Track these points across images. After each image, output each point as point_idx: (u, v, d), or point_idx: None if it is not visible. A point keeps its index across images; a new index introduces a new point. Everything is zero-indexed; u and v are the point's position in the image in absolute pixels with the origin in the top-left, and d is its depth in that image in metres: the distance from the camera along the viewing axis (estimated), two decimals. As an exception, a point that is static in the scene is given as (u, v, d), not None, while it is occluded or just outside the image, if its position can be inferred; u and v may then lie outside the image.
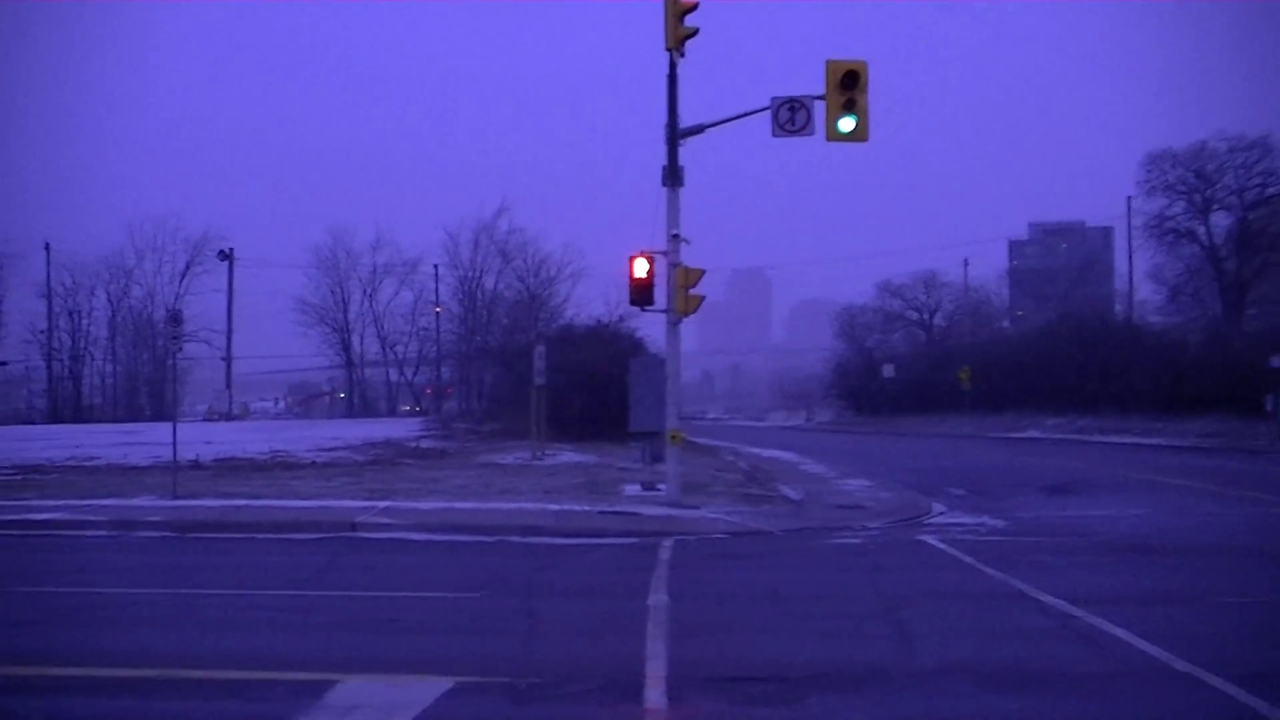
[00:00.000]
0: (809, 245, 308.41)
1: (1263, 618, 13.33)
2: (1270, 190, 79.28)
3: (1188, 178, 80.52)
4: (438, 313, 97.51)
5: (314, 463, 36.17)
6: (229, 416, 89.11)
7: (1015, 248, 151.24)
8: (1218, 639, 12.08)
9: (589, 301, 76.83)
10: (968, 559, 17.94)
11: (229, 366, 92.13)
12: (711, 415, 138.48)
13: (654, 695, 9.93)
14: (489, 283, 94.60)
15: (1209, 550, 19.31)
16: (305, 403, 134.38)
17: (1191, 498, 28.94)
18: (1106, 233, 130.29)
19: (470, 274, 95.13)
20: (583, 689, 10.23)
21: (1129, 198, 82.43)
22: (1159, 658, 11.06)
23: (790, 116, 23.82)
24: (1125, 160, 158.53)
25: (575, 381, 44.16)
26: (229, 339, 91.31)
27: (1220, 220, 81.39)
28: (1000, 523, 23.37)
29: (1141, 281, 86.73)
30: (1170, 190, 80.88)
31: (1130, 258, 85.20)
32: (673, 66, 24.63)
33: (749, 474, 35.28)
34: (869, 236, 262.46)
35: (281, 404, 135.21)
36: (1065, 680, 10.39)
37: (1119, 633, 12.13)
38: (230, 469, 33.88)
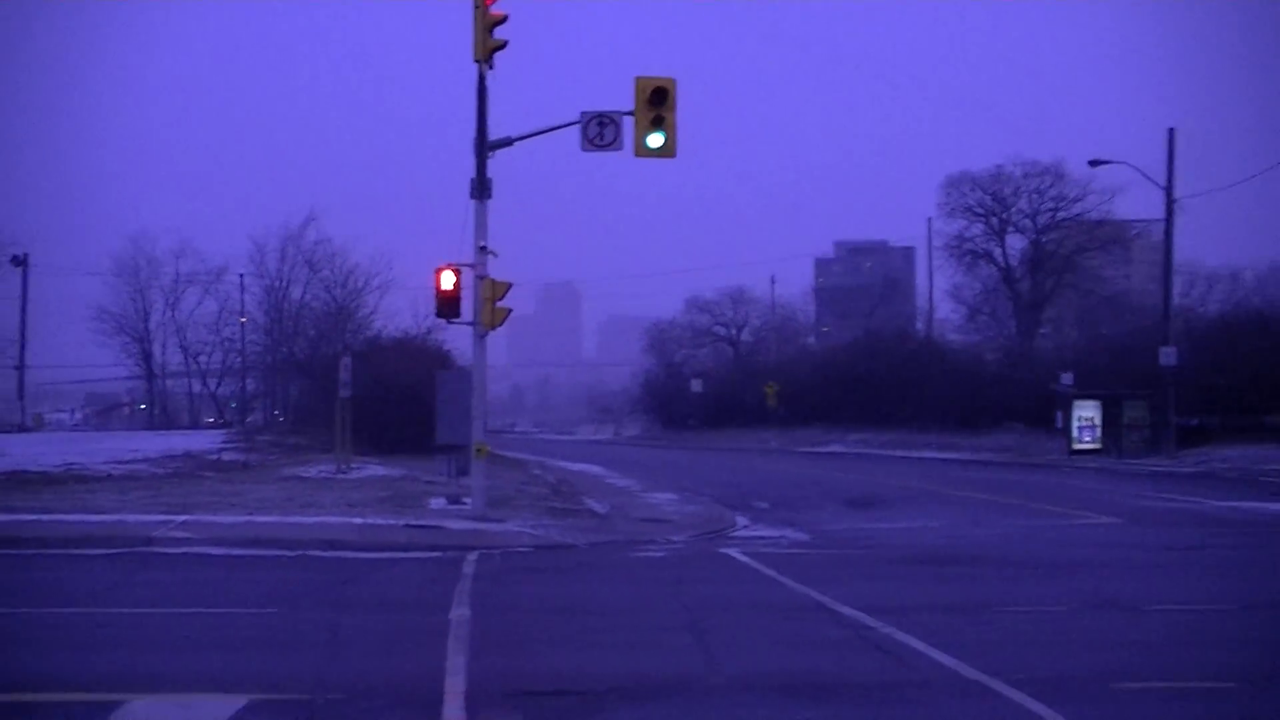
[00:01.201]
0: (619, 260, 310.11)
1: (1049, 627, 13.73)
2: (1061, 214, 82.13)
3: (985, 201, 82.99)
4: (243, 323, 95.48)
5: (110, 475, 35.01)
6: (21, 428, 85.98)
7: (821, 266, 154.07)
8: (1007, 647, 12.42)
9: (397, 313, 75.84)
10: (769, 571, 18.17)
11: (21, 376, 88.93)
12: (520, 429, 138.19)
13: (453, 710, 9.83)
14: (296, 293, 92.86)
15: (1001, 561, 19.87)
16: (103, 414, 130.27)
17: (986, 511, 29.78)
18: (909, 252, 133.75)
19: (277, 284, 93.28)
20: (381, 704, 10.08)
21: (929, 219, 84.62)
22: (951, 666, 11.32)
23: (600, 131, 23.92)
24: (928, 182, 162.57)
25: (382, 394, 43.63)
26: (21, 347, 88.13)
27: (1015, 242, 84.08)
28: (802, 536, 23.74)
29: (941, 300, 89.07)
30: (969, 212, 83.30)
31: (931, 277, 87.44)
32: (482, 79, 24.52)
33: (555, 487, 35.26)
34: (679, 252, 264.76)
35: (79, 415, 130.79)
36: (861, 689, 10.57)
37: (913, 642, 12.39)
38: (19, 483, 32.58)
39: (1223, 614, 14.66)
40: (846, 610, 14.39)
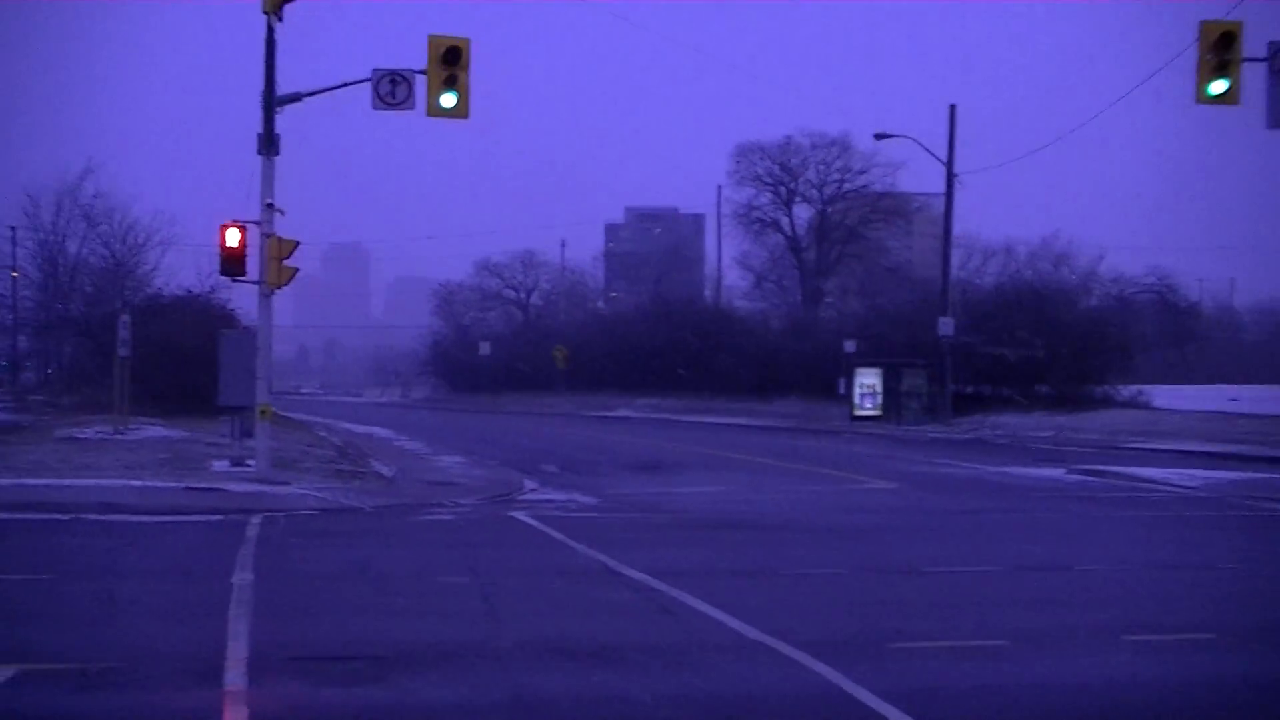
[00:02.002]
0: (409, 221, 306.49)
1: (832, 589, 14.06)
2: (847, 186, 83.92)
3: (774, 170, 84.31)
4: (14, 277, 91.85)
5: None
6: None
7: (611, 231, 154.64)
8: (789, 609, 12.66)
9: (180, 271, 73.65)
10: (558, 535, 18.21)
11: None
12: (306, 390, 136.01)
13: (234, 677, 9.63)
14: (72, 248, 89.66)
15: (785, 525, 20.26)
16: None
17: (772, 476, 30.34)
18: (698, 220, 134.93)
19: (52, 238, 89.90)
20: (160, 672, 9.82)
21: (719, 187, 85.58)
22: (736, 628, 11.50)
23: (391, 90, 23.57)
24: (719, 151, 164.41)
25: (163, 353, 42.40)
26: None
27: (802, 212, 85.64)
28: (591, 500, 23.85)
29: (730, 268, 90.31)
30: (758, 181, 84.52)
31: (720, 245, 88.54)
32: (270, 30, 23.93)
33: (342, 450, 34.79)
34: (470, 215, 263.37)
35: None
36: (649, 652, 10.65)
37: (700, 605, 12.55)
38: None
39: (995, 575, 15.18)
40: (634, 574, 14.50)
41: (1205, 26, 24.69)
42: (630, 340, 78.60)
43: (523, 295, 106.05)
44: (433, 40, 23.36)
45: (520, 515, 20.91)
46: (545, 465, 32.02)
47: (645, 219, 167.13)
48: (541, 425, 57.63)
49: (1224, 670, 10.30)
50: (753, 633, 11.25)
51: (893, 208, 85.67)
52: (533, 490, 25.52)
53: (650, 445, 41.89)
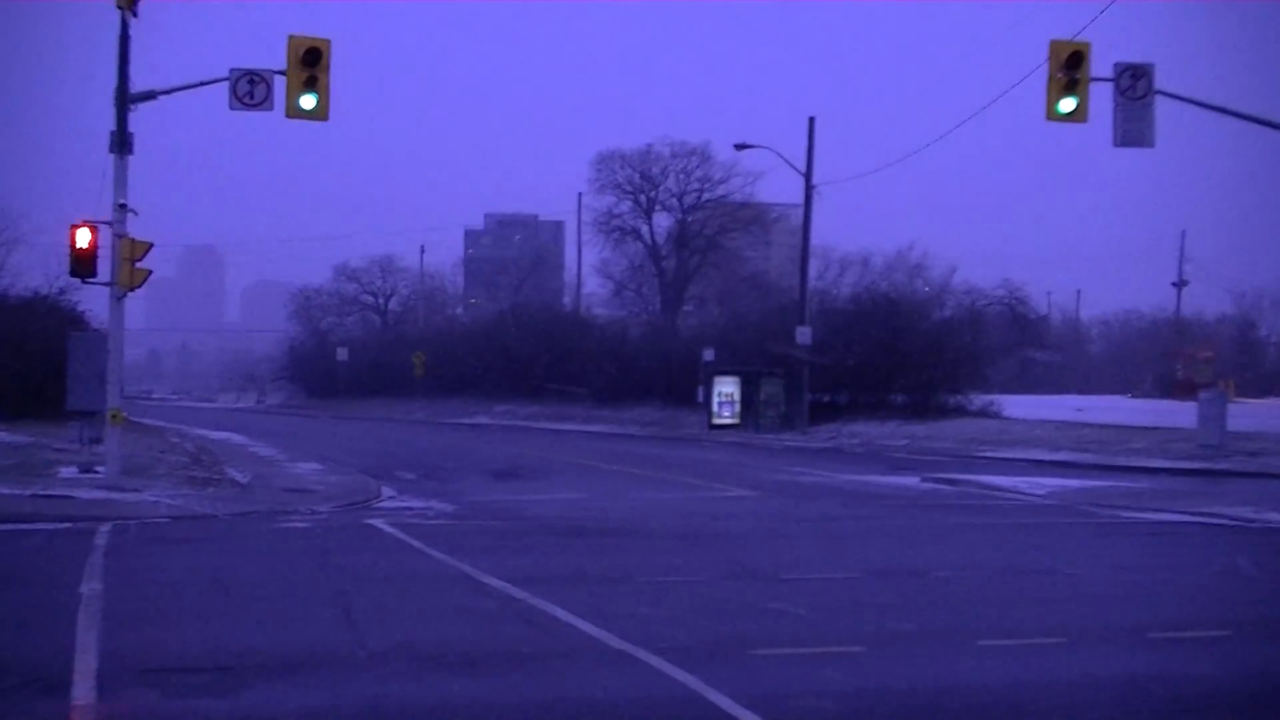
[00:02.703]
0: (266, 224, 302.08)
1: (692, 596, 14.11)
2: (707, 195, 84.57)
3: (634, 178, 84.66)
4: None
5: None
6: None
7: (471, 237, 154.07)
8: (650, 617, 12.68)
9: (27, 271, 71.77)
10: (416, 543, 18.06)
11: None
12: (158, 395, 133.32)
13: (83, 689, 9.39)
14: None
15: (644, 532, 20.31)
16: None
17: (631, 483, 30.40)
18: (558, 226, 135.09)
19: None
20: (3, 686, 9.53)
21: (580, 194, 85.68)
22: (596, 635, 11.49)
23: (250, 90, 23.22)
24: (580, 158, 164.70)
25: (8, 356, 41.35)
26: None
27: (662, 221, 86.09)
28: (449, 507, 23.70)
29: (590, 275, 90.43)
30: (619, 189, 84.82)
31: (580, 252, 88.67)
32: (124, 26, 23.44)
33: (195, 456, 34.13)
34: (329, 218, 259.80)
35: None
36: (509, 660, 10.61)
37: (558, 612, 12.53)
38: None
39: (852, 581, 15.36)
40: (493, 581, 14.43)
41: (1055, 46, 25.33)
42: (489, 347, 78.32)
43: (381, 301, 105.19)
44: (292, 41, 23.08)
45: (378, 523, 20.69)
46: (403, 472, 31.75)
47: (505, 225, 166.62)
48: (399, 432, 57.15)
49: (1072, 671, 10.53)
50: (614, 640, 11.26)
51: (752, 217, 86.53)
52: (390, 497, 25.28)
53: (509, 452, 41.77)
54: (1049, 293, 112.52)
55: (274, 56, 23.34)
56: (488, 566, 15.42)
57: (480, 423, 67.73)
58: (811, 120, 56.60)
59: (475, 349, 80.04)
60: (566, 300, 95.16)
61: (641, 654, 10.73)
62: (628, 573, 15.71)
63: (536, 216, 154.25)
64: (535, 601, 13.14)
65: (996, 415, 54.51)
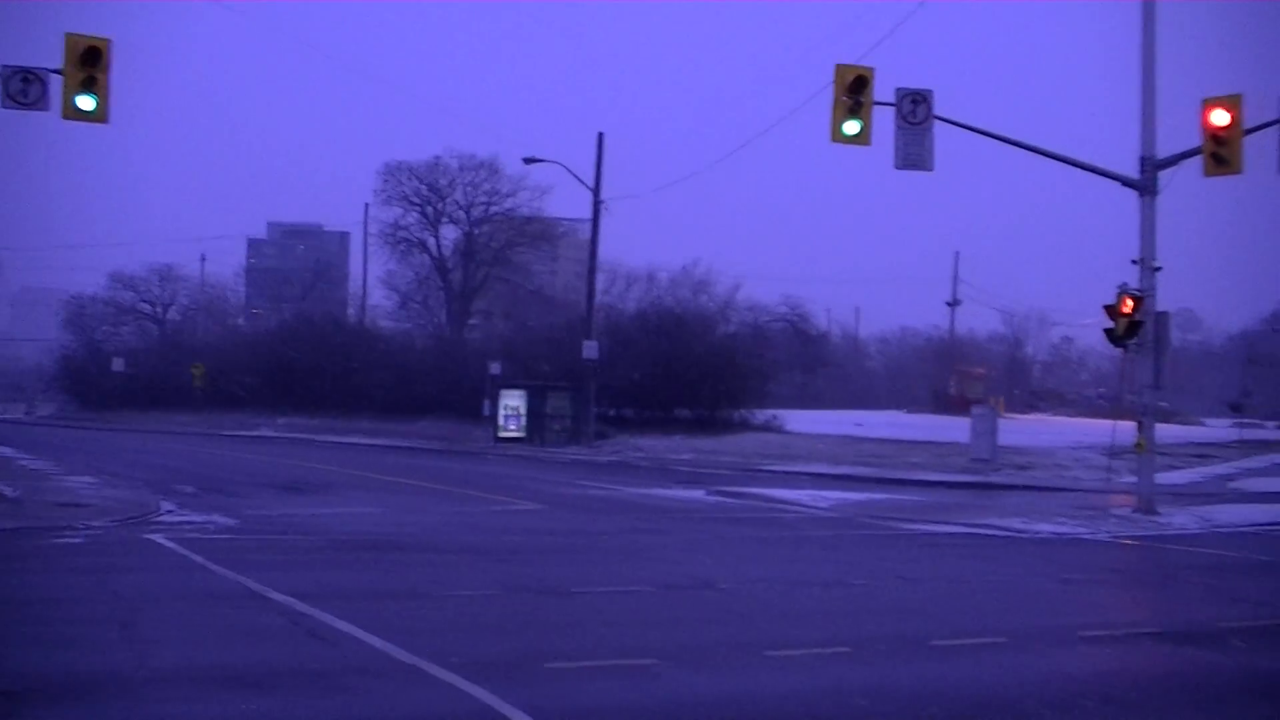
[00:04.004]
0: (36, 229, 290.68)
1: (482, 610, 14.04)
2: (495, 209, 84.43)
3: (422, 190, 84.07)
4: None
5: None
6: None
7: (254, 246, 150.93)
8: (441, 631, 12.59)
9: None
10: (198, 558, 17.60)
11: None
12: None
13: None
14: None
15: (432, 547, 20.16)
16: None
17: (417, 496, 30.15)
18: (344, 237, 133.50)
19: None
20: None
21: (366, 205, 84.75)
22: (386, 650, 11.35)
23: (23, 88, 22.37)
24: (366, 168, 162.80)
25: None
26: None
27: (449, 233, 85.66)
28: (231, 521, 23.14)
29: (375, 287, 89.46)
30: (405, 201, 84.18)
31: (365, 263, 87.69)
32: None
33: (-40, 470, 32.71)
34: (105, 224, 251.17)
35: None
36: (297, 677, 10.42)
37: (348, 628, 12.34)
38: None
39: (641, 594, 15.47)
40: (279, 597, 14.15)
41: (840, 70, 25.94)
42: (272, 358, 76.84)
43: (160, 310, 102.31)
44: (70, 39, 22.35)
45: (157, 538, 20.10)
46: (183, 486, 30.90)
47: (290, 235, 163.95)
48: (179, 444, 55.64)
49: (858, 680, 10.77)
50: (405, 655, 11.13)
51: (540, 232, 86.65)
52: (170, 512, 24.55)
53: (293, 465, 41.01)
54: (829, 310, 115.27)
55: (53, 55, 22.52)
56: (273, 582, 15.10)
57: (263, 435, 66.38)
58: (600, 136, 56.99)
59: (258, 360, 78.45)
60: (352, 312, 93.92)
61: (433, 669, 10.63)
62: (417, 587, 15.56)
63: (321, 226, 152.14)
64: (323, 617, 12.92)
65: (780, 430, 55.57)
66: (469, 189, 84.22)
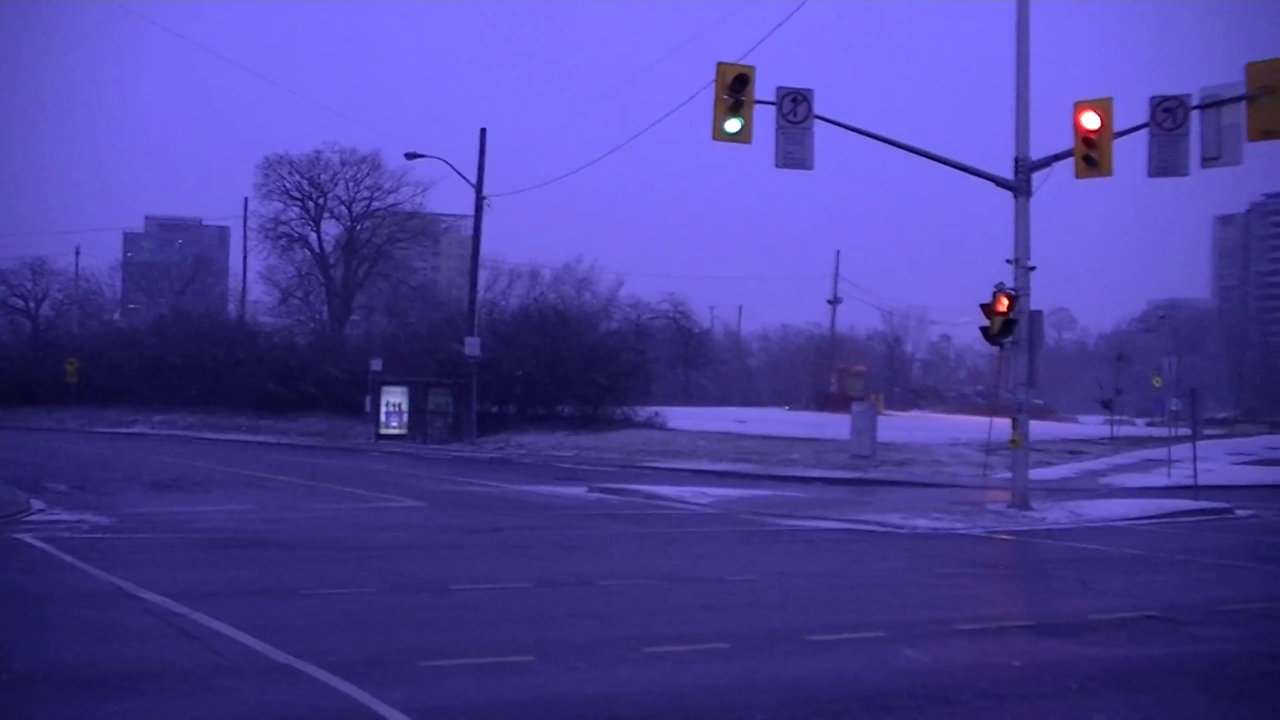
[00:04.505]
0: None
1: (358, 607, 13.93)
2: (376, 204, 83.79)
3: (303, 185, 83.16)
4: None
5: None
6: None
7: (131, 240, 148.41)
8: (317, 629, 12.46)
9: None
10: (68, 558, 17.24)
11: None
12: None
13: None
14: None
15: (311, 544, 19.95)
16: None
17: (297, 494, 29.84)
18: (224, 232, 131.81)
19: None
20: None
21: (246, 199, 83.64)
22: (261, 650, 11.21)
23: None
24: (246, 162, 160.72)
25: None
26: None
27: (331, 229, 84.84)
28: (105, 520, 22.69)
29: (255, 282, 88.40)
30: (286, 196, 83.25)
31: (245, 258, 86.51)
32: None
33: None
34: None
35: None
36: (170, 678, 10.24)
37: (223, 628, 12.17)
38: None
39: (521, 591, 15.44)
40: (151, 596, 13.91)
41: (721, 68, 26.09)
42: (149, 354, 75.42)
43: (31, 305, 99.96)
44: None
45: (26, 537, 19.65)
46: (54, 484, 30.25)
47: (168, 229, 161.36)
48: (51, 441, 54.45)
49: (736, 674, 10.85)
50: (279, 655, 11.00)
51: (422, 227, 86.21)
52: (40, 511, 24.01)
53: (170, 462, 40.34)
54: (712, 307, 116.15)
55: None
56: (146, 581, 14.85)
57: (139, 432, 65.23)
58: (483, 132, 56.81)
59: (134, 356, 76.93)
60: (231, 307, 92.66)
61: (308, 668, 10.52)
62: (294, 585, 15.38)
63: (200, 221, 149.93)
64: (196, 616, 12.72)
65: (662, 427, 55.77)
66: (351, 184, 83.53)
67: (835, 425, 48.68)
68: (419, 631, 12.64)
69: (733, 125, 25.96)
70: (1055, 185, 28.02)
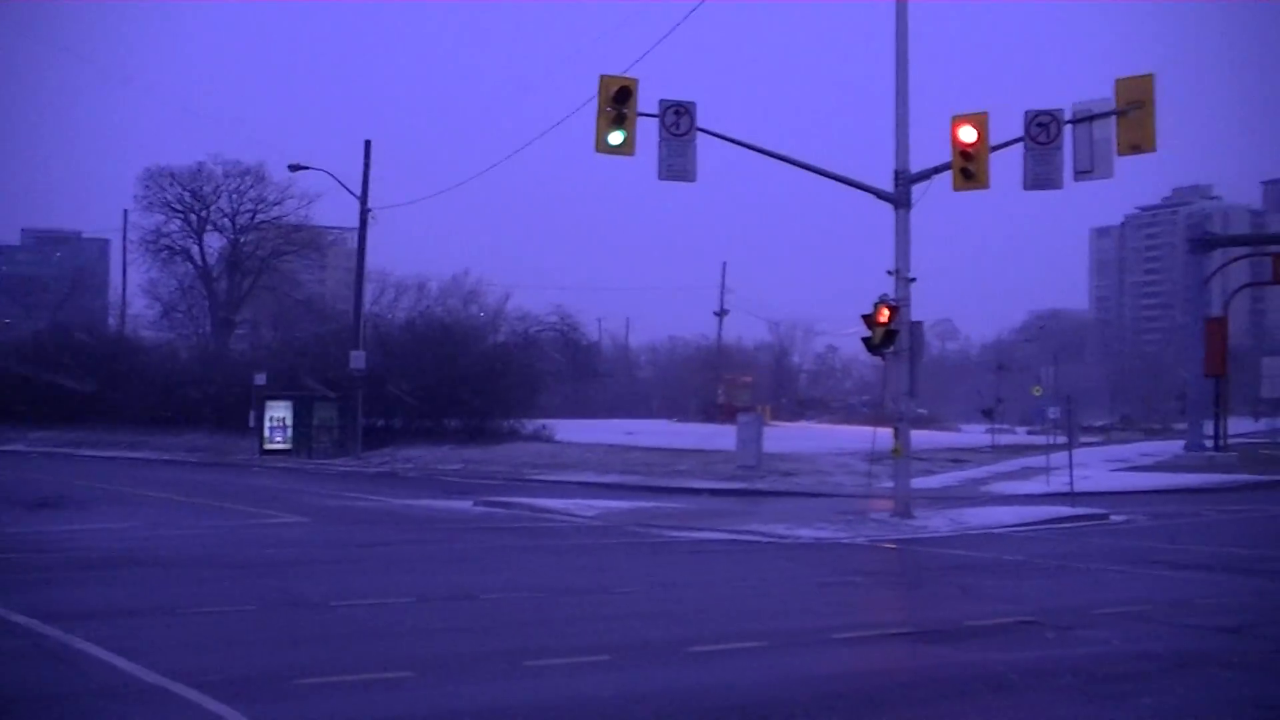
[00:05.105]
0: None
1: (238, 626, 13.72)
2: (261, 216, 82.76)
3: (185, 197, 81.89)
4: None
5: None
6: None
7: (6, 253, 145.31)
8: (192, 648, 12.24)
9: None
10: (-64, 580, 16.82)
11: None
12: None
13: None
14: None
15: (190, 561, 19.61)
16: None
17: (179, 510, 29.39)
18: (104, 245, 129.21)
19: None
20: None
21: (126, 211, 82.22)
22: (132, 672, 10.99)
23: None
24: (127, 174, 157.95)
25: None
26: None
27: (214, 241, 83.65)
28: (-22, 541, 22.18)
29: (137, 296, 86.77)
30: (168, 208, 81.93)
31: (125, 272, 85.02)
32: None
33: None
34: None
35: None
36: (37, 703, 10.02)
37: (92, 649, 11.92)
38: None
39: (404, 606, 15.30)
40: (21, 619, 13.58)
41: (604, 80, 26.14)
42: (24, 370, 73.62)
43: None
44: None
45: (-108, 559, 19.15)
46: (-77, 504, 29.52)
47: (45, 241, 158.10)
48: (-80, 461, 53.07)
49: (615, 686, 10.85)
50: (150, 675, 10.79)
51: (307, 240, 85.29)
52: (-93, 532, 23.44)
53: (47, 480, 39.46)
54: (600, 320, 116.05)
55: None
56: (16, 603, 14.48)
57: (15, 450, 63.69)
58: (368, 144, 56.41)
59: (9, 372, 75.10)
60: (112, 322, 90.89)
61: (179, 688, 10.33)
62: (172, 605, 15.10)
63: (80, 233, 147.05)
64: (68, 639, 12.44)
65: (550, 439, 55.69)
66: (234, 196, 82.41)
67: (723, 436, 48.85)
68: (297, 649, 12.48)
69: (615, 138, 26.02)
70: (937, 198, 28.38)
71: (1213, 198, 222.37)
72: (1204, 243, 64.16)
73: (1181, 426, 70.54)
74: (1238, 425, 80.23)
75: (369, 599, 15.77)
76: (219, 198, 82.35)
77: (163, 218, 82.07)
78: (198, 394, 64.84)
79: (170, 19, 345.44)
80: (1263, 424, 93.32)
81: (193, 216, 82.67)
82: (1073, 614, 15.21)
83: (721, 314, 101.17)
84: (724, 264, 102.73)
